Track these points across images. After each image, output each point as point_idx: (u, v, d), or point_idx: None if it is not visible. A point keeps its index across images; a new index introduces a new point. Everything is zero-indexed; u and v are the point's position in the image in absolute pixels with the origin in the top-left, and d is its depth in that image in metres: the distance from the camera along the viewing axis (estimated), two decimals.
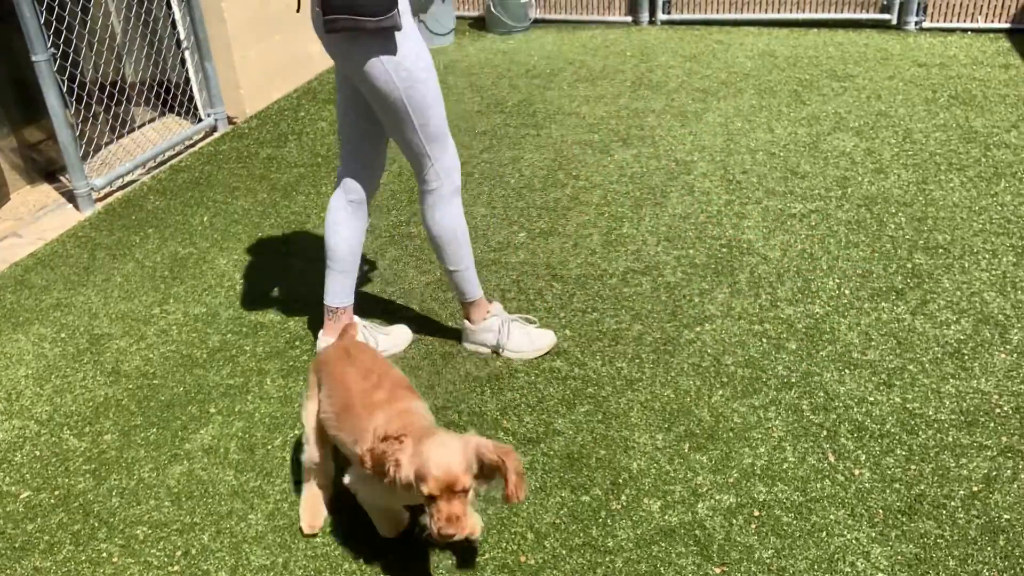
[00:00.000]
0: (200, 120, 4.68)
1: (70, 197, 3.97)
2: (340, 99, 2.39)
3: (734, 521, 2.01)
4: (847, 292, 2.84)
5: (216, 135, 4.64)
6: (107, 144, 4.43)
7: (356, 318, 2.64)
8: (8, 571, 2.03)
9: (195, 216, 3.73)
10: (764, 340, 2.63)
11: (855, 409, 2.33)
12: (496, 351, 2.62)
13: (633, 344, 2.66)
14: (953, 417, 2.27)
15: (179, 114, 4.84)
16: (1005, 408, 2.29)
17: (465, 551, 1.98)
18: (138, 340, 2.88)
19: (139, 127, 4.68)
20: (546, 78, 5.08)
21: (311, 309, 2.95)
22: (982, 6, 5.24)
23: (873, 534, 1.95)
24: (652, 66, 5.12)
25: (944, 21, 5.36)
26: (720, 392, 2.43)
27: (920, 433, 2.23)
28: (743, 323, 2.72)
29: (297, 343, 2.79)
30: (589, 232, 3.32)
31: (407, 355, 2.68)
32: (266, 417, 2.47)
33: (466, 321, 2.63)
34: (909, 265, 2.95)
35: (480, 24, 6.34)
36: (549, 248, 3.23)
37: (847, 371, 2.47)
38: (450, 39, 5.96)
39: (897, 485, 2.08)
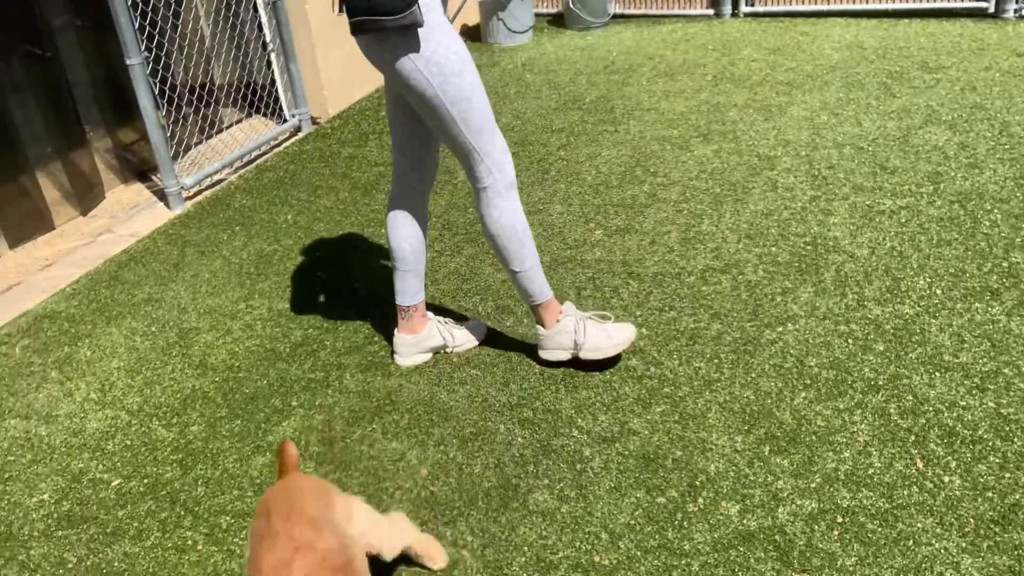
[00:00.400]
0: (285, 121, 4.79)
1: (161, 196, 4.12)
2: (387, 100, 2.40)
3: (816, 527, 1.95)
4: (939, 292, 2.72)
5: (300, 135, 4.75)
6: (196, 144, 4.58)
7: (430, 314, 2.66)
8: (100, 555, 2.11)
9: (280, 214, 3.82)
10: (850, 341, 2.55)
11: (946, 414, 2.24)
12: (575, 354, 2.50)
13: (712, 344, 2.61)
14: None
15: (265, 115, 4.97)
16: None
17: None
18: (224, 334, 2.97)
19: (227, 128, 4.82)
20: (624, 74, 5.03)
21: (388, 305, 2.99)
22: None
23: (964, 544, 1.87)
24: (734, 59, 5.02)
25: None
26: (803, 394, 2.37)
27: (1015, 440, 2.12)
28: (828, 323, 2.64)
29: (375, 339, 2.83)
30: (667, 229, 3.27)
31: (481, 352, 2.69)
32: (345, 411, 2.51)
33: (539, 327, 2.50)
34: (1005, 264, 2.82)
35: (559, 21, 6.32)
36: (626, 246, 3.20)
37: (938, 374, 2.38)
38: (528, 36, 5.96)
39: (990, 494, 1.98)
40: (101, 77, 4.17)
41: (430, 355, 2.68)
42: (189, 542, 2.12)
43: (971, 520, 1.92)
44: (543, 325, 2.49)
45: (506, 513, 2.09)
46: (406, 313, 2.61)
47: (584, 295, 2.92)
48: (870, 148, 3.72)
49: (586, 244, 3.24)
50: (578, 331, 2.46)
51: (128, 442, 2.50)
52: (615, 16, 6.19)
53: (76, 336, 3.06)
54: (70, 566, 2.09)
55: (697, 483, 2.11)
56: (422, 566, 1.95)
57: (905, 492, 2.02)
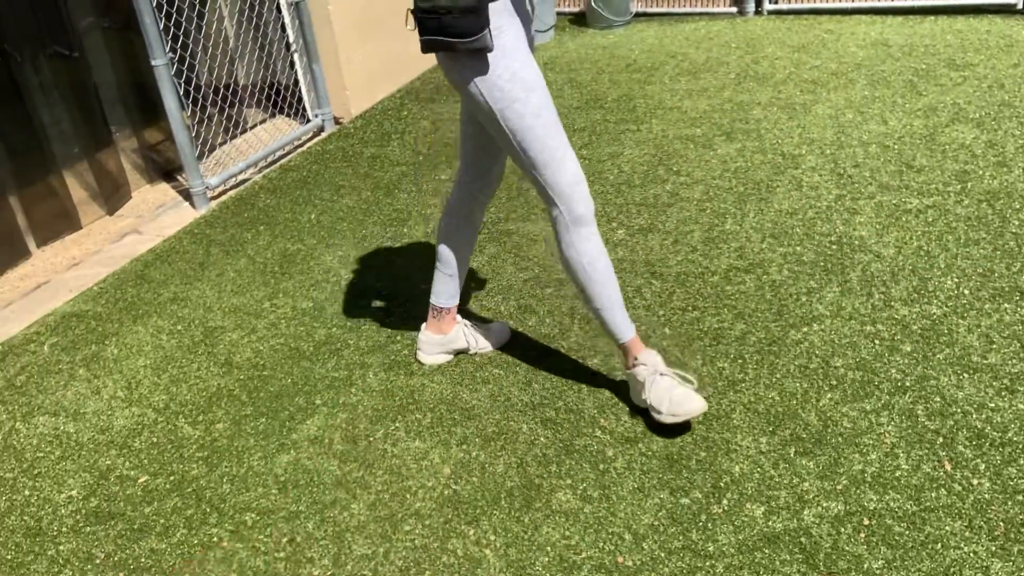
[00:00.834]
0: (308, 121, 4.82)
1: (187, 195, 4.16)
2: (461, 110, 2.38)
3: (842, 529, 1.94)
4: (967, 292, 2.69)
5: (323, 135, 4.77)
6: (221, 144, 4.61)
7: (458, 318, 2.66)
8: (128, 551, 2.14)
9: (303, 214, 3.84)
10: (876, 342, 2.52)
11: (974, 416, 2.21)
12: (647, 409, 2.33)
13: (736, 344, 2.60)
14: None
15: (288, 115, 5.00)
16: None
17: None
18: (249, 333, 2.99)
19: (251, 128, 4.85)
20: (647, 72, 5.01)
21: (411, 305, 3.00)
22: None
23: (993, 548, 1.85)
24: (758, 57, 4.99)
25: None
26: (829, 395, 2.35)
27: None
28: (854, 323, 2.61)
29: (398, 338, 2.84)
30: (690, 228, 3.26)
31: (504, 351, 2.69)
32: (369, 409, 2.52)
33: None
34: None
35: (580, 19, 6.31)
36: (648, 245, 3.19)
37: (966, 375, 2.35)
38: (550, 35, 5.95)
39: (1020, 497, 1.96)
40: (127, 78, 4.21)
41: (452, 357, 2.68)
42: (215, 539, 2.14)
43: (1001, 524, 1.90)
44: (624, 366, 2.37)
45: (529, 513, 2.09)
46: (439, 313, 2.61)
47: None
48: (896, 146, 3.69)
49: (609, 244, 3.23)
50: (647, 387, 2.29)
51: (154, 439, 2.53)
52: (637, 14, 6.17)
53: (103, 334, 3.09)
54: (98, 561, 2.12)
55: (721, 484, 2.10)
56: None
57: (933, 495, 2.00)
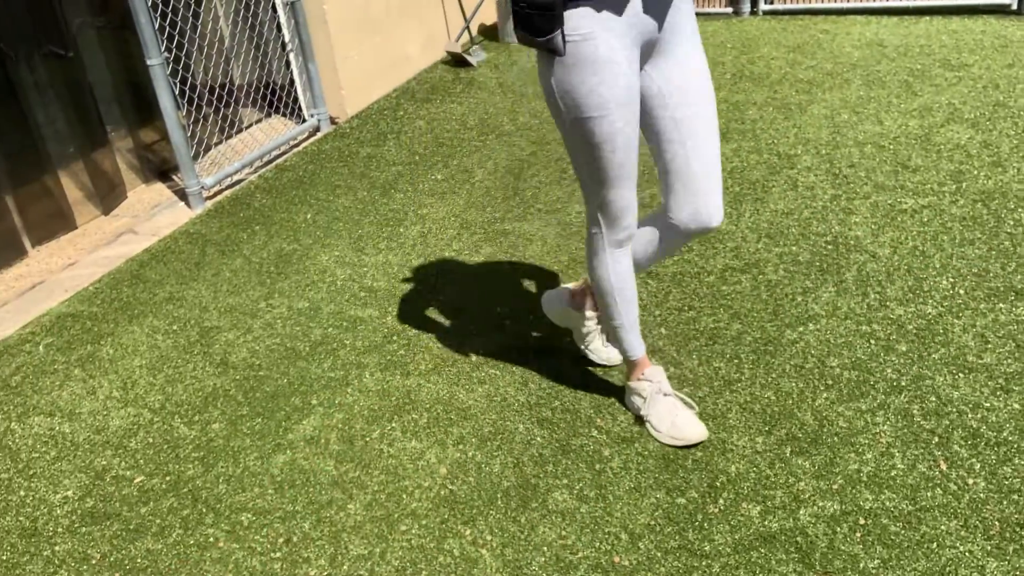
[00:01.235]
0: (304, 120, 4.81)
1: (182, 195, 4.15)
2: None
3: (838, 529, 1.94)
4: (962, 292, 2.70)
5: (319, 135, 4.77)
6: (216, 144, 4.61)
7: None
8: (123, 552, 2.13)
9: (299, 214, 3.84)
10: (872, 341, 2.53)
11: (970, 415, 2.22)
12: (641, 420, 2.36)
13: (732, 344, 2.60)
14: None
15: (284, 115, 5.00)
16: None
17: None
18: (245, 333, 2.98)
19: (246, 128, 4.85)
20: None
21: (407, 305, 3.00)
22: None
23: (988, 547, 1.85)
24: (753, 57, 5.00)
25: None
26: (824, 395, 2.35)
27: None
28: (849, 323, 2.62)
29: (394, 337, 2.83)
30: None
31: (500, 351, 2.69)
32: (365, 409, 2.52)
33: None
34: None
35: None
36: None
37: (961, 375, 2.36)
38: None
39: (1016, 496, 1.96)
40: (122, 77, 4.21)
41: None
42: (211, 539, 2.14)
43: (996, 523, 1.91)
44: (628, 377, 2.37)
45: (525, 513, 2.09)
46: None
47: None
48: (891, 147, 3.69)
49: None
50: (648, 403, 2.30)
51: (150, 440, 2.52)
52: None
53: (99, 334, 3.08)
54: (93, 562, 2.11)
55: (718, 484, 2.11)
56: None
57: (928, 494, 2.00)
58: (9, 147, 3.63)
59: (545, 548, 1.99)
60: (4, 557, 2.16)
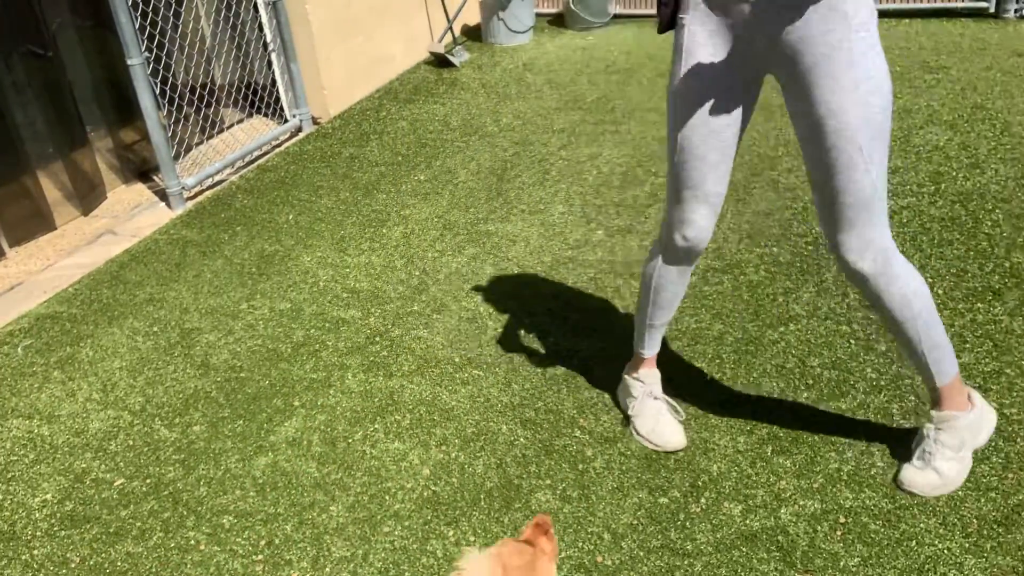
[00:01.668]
0: (286, 121, 4.79)
1: (163, 196, 4.12)
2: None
3: (819, 528, 1.96)
4: (940, 292, 2.72)
5: (301, 135, 4.75)
6: (198, 144, 4.58)
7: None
8: (103, 555, 2.11)
9: (281, 214, 3.82)
10: (852, 341, 2.55)
11: None
12: (627, 417, 2.35)
13: (713, 344, 2.61)
14: None
15: (266, 115, 4.97)
16: None
17: None
18: (226, 334, 2.97)
19: (228, 128, 4.82)
20: (625, 74, 5.03)
21: (390, 306, 2.99)
22: None
23: (967, 544, 1.87)
24: None
25: None
26: (805, 394, 2.37)
27: (1018, 440, 2.13)
28: (830, 323, 2.64)
29: (377, 339, 2.83)
30: None
31: (483, 352, 2.69)
32: (347, 411, 2.51)
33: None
34: (1007, 264, 2.82)
35: (559, 21, 6.32)
36: (627, 246, 3.20)
37: None
38: (529, 36, 5.96)
39: (993, 494, 1.99)
40: (102, 77, 4.17)
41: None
42: (192, 542, 2.12)
43: (974, 520, 1.93)
44: (628, 369, 2.37)
45: (509, 513, 2.09)
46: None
47: (586, 294, 2.92)
48: None
49: (588, 244, 3.24)
50: (636, 403, 2.30)
51: (130, 442, 2.50)
52: (616, 16, 6.19)
53: (78, 336, 3.06)
54: (73, 566, 2.09)
55: (699, 483, 2.12)
56: None
57: (908, 493, 2.02)
58: None
59: None
60: None
